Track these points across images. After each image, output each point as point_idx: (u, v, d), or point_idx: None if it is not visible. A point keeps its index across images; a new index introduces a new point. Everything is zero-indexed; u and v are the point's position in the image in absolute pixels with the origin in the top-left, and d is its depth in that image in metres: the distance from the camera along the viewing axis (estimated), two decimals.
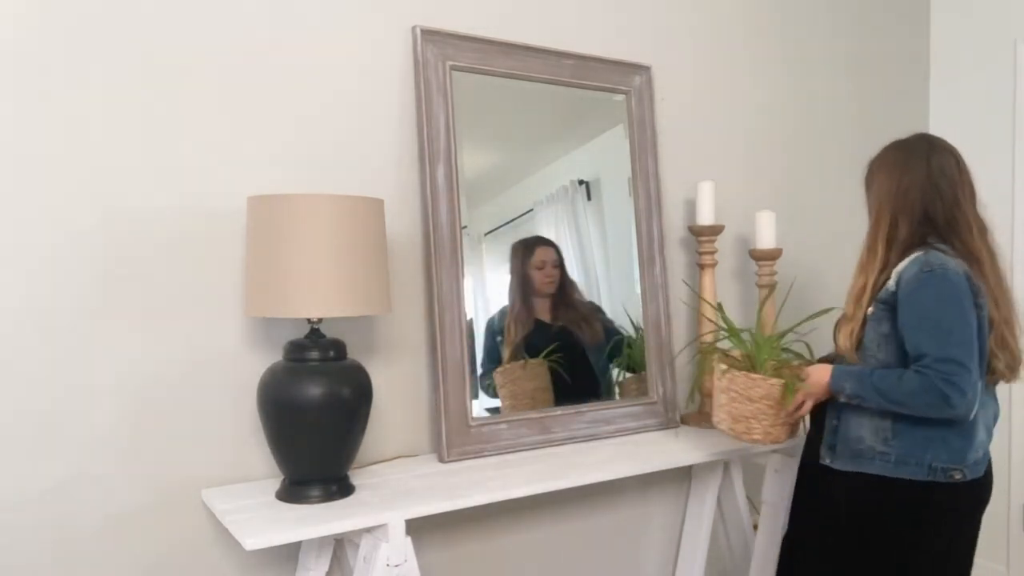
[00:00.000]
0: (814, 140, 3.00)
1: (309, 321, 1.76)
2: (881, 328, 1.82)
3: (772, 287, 2.51)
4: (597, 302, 2.39)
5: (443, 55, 2.09)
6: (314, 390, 1.67)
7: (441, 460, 2.02)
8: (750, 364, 1.93)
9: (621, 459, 2.07)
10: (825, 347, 2.14)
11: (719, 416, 1.94)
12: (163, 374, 1.79)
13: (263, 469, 1.88)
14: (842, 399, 1.85)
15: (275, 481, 1.82)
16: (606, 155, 2.43)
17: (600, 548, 2.47)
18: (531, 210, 2.28)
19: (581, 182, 2.37)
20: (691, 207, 2.54)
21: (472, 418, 2.06)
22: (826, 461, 1.91)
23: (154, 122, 1.77)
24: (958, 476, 1.78)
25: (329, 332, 1.78)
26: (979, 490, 1.85)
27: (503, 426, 2.11)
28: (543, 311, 2.30)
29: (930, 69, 3.35)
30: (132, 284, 1.76)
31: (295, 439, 1.70)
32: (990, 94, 3.16)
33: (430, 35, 2.08)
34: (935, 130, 3.33)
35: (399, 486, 1.82)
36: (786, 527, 2.18)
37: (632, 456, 2.10)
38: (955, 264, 1.75)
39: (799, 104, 2.94)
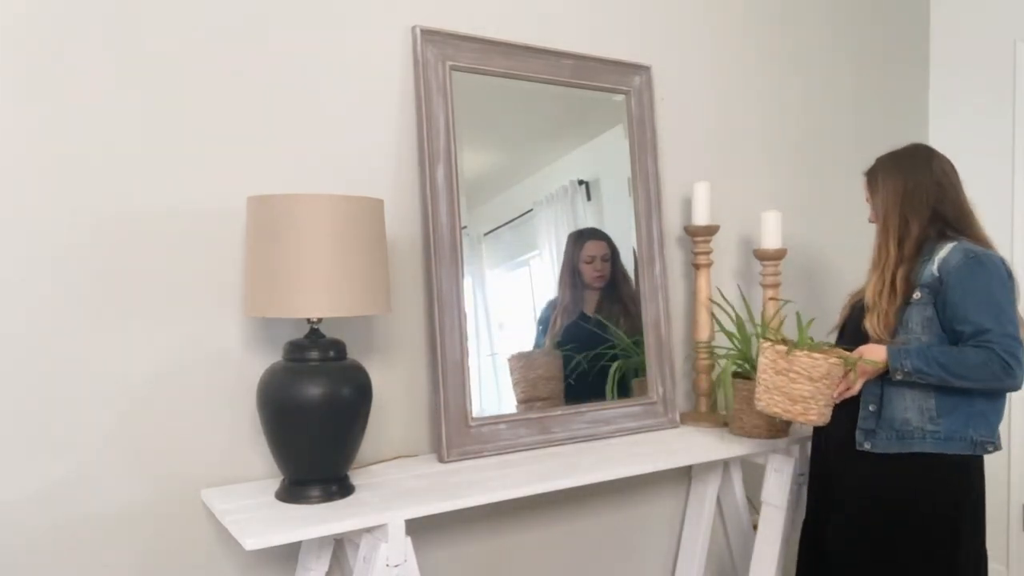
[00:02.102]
0: (814, 140, 3.00)
1: (309, 321, 1.76)
2: (926, 312, 1.94)
3: (776, 287, 2.51)
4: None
5: (443, 55, 2.09)
6: (314, 390, 1.67)
7: (441, 460, 2.02)
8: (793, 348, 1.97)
9: (621, 459, 2.07)
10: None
11: (772, 398, 1.96)
12: (163, 374, 1.79)
13: (263, 469, 1.89)
14: (898, 376, 1.91)
15: (275, 481, 1.82)
16: (606, 155, 2.43)
17: (600, 548, 2.47)
18: (531, 210, 2.28)
19: (581, 182, 2.37)
20: (690, 207, 2.54)
21: (472, 418, 2.06)
22: (865, 447, 1.98)
23: (154, 122, 1.77)
24: (991, 448, 1.94)
25: (329, 332, 1.78)
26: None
27: (503, 426, 2.12)
28: (590, 304, 2.35)
29: (930, 69, 3.35)
30: (132, 284, 1.76)
31: (295, 439, 1.70)
32: (990, 94, 3.16)
33: (430, 35, 2.08)
34: (935, 130, 3.34)
35: (399, 486, 1.82)
36: (802, 516, 2.24)
37: (632, 456, 2.10)
38: (993, 251, 1.94)
39: (799, 104, 2.94)
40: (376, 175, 2.04)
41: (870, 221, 2.12)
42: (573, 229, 2.37)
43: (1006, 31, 3.10)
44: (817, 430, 2.11)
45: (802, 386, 1.90)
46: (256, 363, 1.86)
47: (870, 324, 2.00)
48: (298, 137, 1.94)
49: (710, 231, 2.45)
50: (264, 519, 1.61)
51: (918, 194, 1.98)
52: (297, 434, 1.69)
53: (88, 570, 1.72)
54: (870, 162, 3.16)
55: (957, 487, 1.95)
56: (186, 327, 1.81)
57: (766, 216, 2.53)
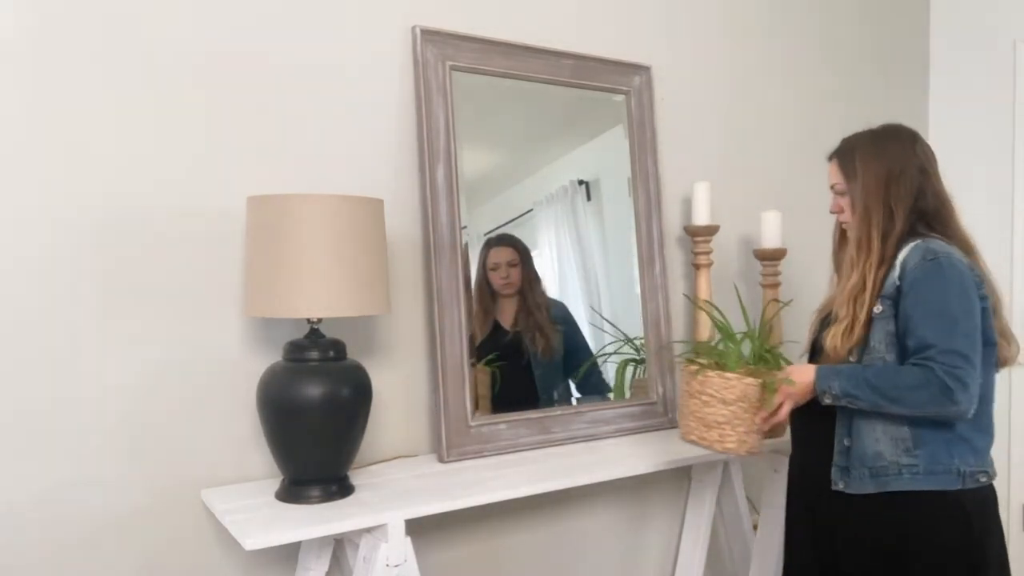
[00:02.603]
0: (814, 140, 2.99)
1: (309, 321, 1.76)
2: (888, 327, 1.68)
3: (776, 287, 2.51)
4: (596, 302, 2.39)
5: (443, 55, 2.09)
6: (314, 390, 1.67)
7: (441, 460, 2.02)
8: (722, 367, 1.76)
9: (621, 459, 2.07)
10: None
11: (688, 424, 1.77)
12: (163, 374, 1.79)
13: (263, 469, 1.89)
14: (826, 400, 1.69)
15: (275, 481, 1.82)
16: (606, 155, 2.43)
17: (600, 548, 2.47)
18: (531, 210, 2.28)
19: (581, 182, 2.37)
20: (690, 207, 2.54)
21: (472, 418, 2.06)
22: (839, 487, 1.71)
23: (154, 122, 1.77)
24: (983, 479, 1.67)
25: (329, 332, 1.78)
26: (994, 488, 1.75)
27: (503, 426, 2.12)
28: (503, 314, 2.21)
29: (930, 69, 3.35)
30: (132, 284, 1.76)
31: (295, 439, 1.70)
32: (990, 94, 3.16)
33: (430, 35, 2.08)
34: (935, 130, 3.34)
35: (399, 486, 1.82)
36: (783, 562, 1.96)
37: (632, 456, 2.10)
38: (958, 252, 1.67)
39: (799, 104, 2.94)
40: (376, 175, 2.04)
41: (832, 212, 1.87)
42: (573, 229, 2.37)
43: (1006, 31, 3.10)
44: (792, 461, 1.90)
45: (715, 410, 1.71)
46: (256, 363, 1.86)
47: (831, 337, 1.72)
48: (298, 137, 1.94)
49: (710, 231, 2.45)
50: (264, 519, 1.61)
51: (904, 182, 1.73)
52: (297, 434, 1.69)
53: (88, 570, 1.72)
54: None
55: (951, 529, 1.65)
56: (186, 327, 1.81)
57: (766, 216, 2.53)
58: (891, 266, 1.70)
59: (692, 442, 1.78)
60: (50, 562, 1.68)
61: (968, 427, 1.66)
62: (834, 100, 3.04)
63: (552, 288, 2.33)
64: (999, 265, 3.13)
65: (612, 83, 2.40)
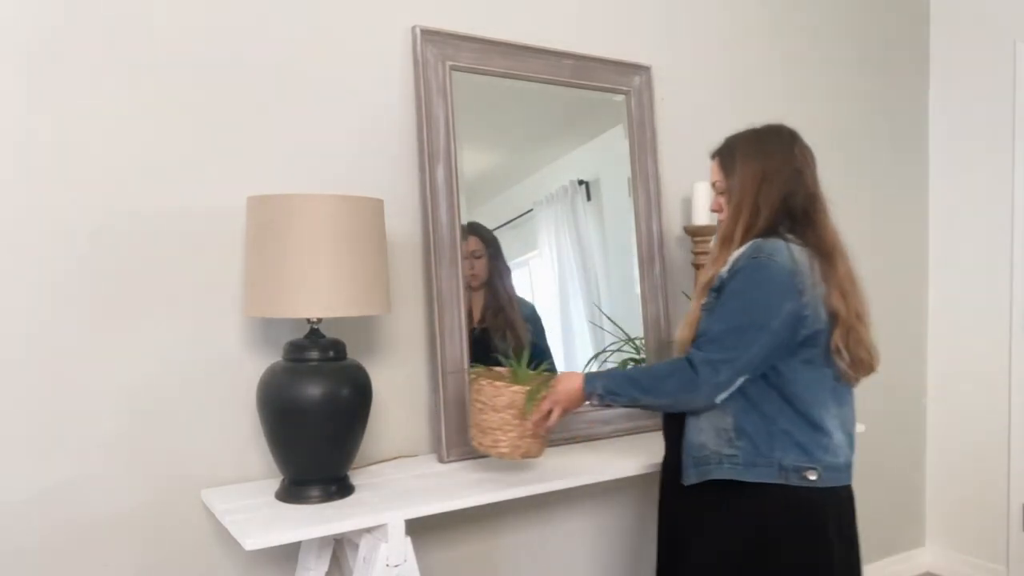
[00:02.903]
0: (814, 140, 2.99)
1: (309, 321, 1.76)
2: (709, 319, 1.68)
3: None
4: (597, 302, 2.39)
5: (443, 55, 2.09)
6: (314, 390, 1.67)
7: (441, 460, 2.02)
8: (513, 377, 1.83)
9: (620, 459, 2.07)
10: None
11: (471, 431, 1.84)
12: (163, 374, 1.79)
13: (263, 469, 1.89)
14: (594, 402, 1.75)
15: (275, 481, 1.82)
16: (606, 155, 2.43)
17: (599, 548, 2.47)
18: (531, 210, 2.28)
19: (581, 182, 2.37)
20: (690, 207, 2.54)
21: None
22: (681, 480, 1.74)
23: (153, 122, 1.77)
24: (812, 476, 1.63)
25: (329, 332, 1.78)
26: (845, 502, 1.71)
27: None
28: (472, 308, 2.14)
29: (930, 69, 3.35)
30: (132, 284, 1.76)
31: (295, 439, 1.70)
32: (990, 94, 3.16)
33: (430, 35, 2.08)
34: (935, 130, 3.35)
35: (399, 486, 1.82)
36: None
37: (631, 456, 2.09)
38: (787, 256, 1.63)
39: (799, 104, 2.93)
40: (376, 175, 2.04)
41: (713, 210, 1.85)
42: (573, 229, 2.37)
43: (1006, 31, 3.10)
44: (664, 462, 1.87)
45: (488, 416, 1.77)
46: (256, 363, 1.86)
47: (678, 329, 1.75)
48: (298, 137, 1.94)
49: (710, 231, 2.45)
50: (264, 519, 1.61)
51: (777, 181, 1.71)
52: (297, 434, 1.69)
53: (88, 570, 1.72)
54: (871, 162, 3.18)
55: (766, 520, 1.64)
56: (186, 327, 1.81)
57: None
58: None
59: (476, 448, 1.84)
60: (50, 562, 1.68)
61: (790, 420, 1.64)
62: (834, 100, 3.04)
63: (552, 288, 2.33)
64: (999, 265, 3.15)
65: (612, 83, 2.40)
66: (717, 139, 2.70)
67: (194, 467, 1.82)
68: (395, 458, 2.04)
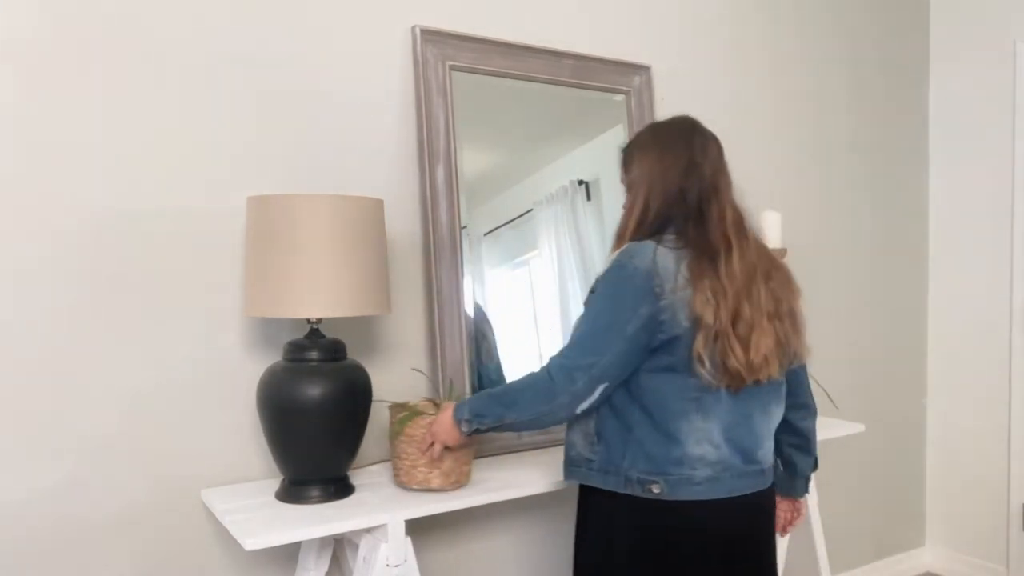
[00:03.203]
0: (814, 140, 3.00)
1: (309, 321, 1.76)
2: None
3: None
4: None
5: (443, 55, 2.09)
6: (314, 390, 1.67)
7: None
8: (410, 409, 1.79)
9: None
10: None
11: (397, 468, 1.78)
12: (163, 374, 1.79)
13: (263, 469, 1.88)
14: (464, 428, 1.63)
15: (275, 481, 1.82)
16: (606, 155, 2.43)
17: None
18: (531, 210, 2.28)
19: (581, 182, 2.37)
20: None
21: None
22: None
23: (153, 122, 1.77)
24: (656, 490, 1.54)
25: (329, 332, 1.78)
26: (701, 517, 1.57)
27: None
28: None
29: (930, 69, 3.35)
30: (132, 284, 1.76)
31: (295, 439, 1.70)
32: (990, 94, 3.16)
33: (430, 35, 2.08)
34: (935, 129, 3.34)
35: (399, 486, 1.82)
36: None
37: None
38: (650, 258, 1.54)
39: (799, 104, 2.94)
40: (376, 175, 2.04)
41: (624, 207, 1.73)
42: (573, 229, 2.37)
43: (1006, 31, 3.10)
44: None
45: (400, 447, 1.76)
46: (256, 363, 1.86)
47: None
48: (298, 137, 1.94)
49: None
50: (264, 519, 1.61)
51: (671, 173, 1.62)
52: (297, 434, 1.69)
53: (88, 570, 1.72)
54: (870, 162, 3.18)
55: (612, 530, 1.61)
56: (186, 327, 1.81)
57: (766, 216, 2.53)
58: None
59: (404, 484, 1.78)
60: (50, 562, 1.68)
61: (646, 430, 1.57)
62: (834, 99, 3.04)
63: (552, 288, 2.33)
64: (999, 265, 3.15)
65: (612, 83, 2.40)
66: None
67: (194, 467, 1.82)
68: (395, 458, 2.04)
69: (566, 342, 1.60)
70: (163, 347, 1.79)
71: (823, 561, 2.46)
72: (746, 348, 1.54)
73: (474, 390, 2.09)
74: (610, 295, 1.57)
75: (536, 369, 1.62)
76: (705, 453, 1.56)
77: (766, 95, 2.83)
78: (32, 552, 1.67)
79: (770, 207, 2.60)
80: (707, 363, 1.52)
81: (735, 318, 1.53)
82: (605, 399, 1.58)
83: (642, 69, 2.47)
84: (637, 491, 1.57)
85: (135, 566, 1.77)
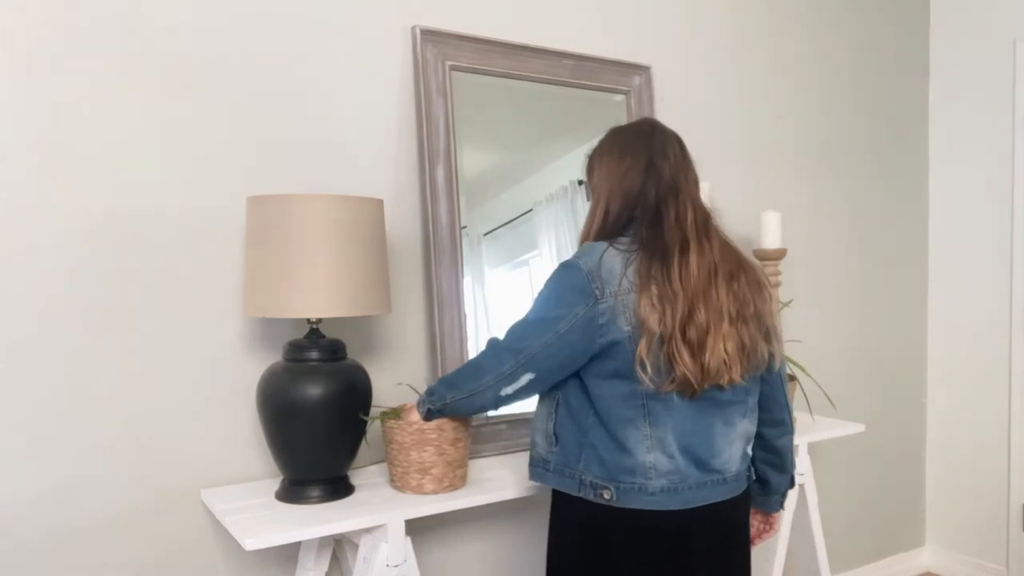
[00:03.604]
0: (814, 140, 3.00)
1: (309, 321, 1.76)
2: None
3: (777, 287, 2.50)
4: None
5: (443, 55, 2.09)
6: (314, 390, 1.67)
7: None
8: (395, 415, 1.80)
9: None
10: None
11: (394, 474, 1.79)
12: (163, 374, 1.79)
13: (263, 469, 1.88)
14: (422, 412, 1.70)
15: (275, 481, 1.82)
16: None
17: None
18: (531, 210, 2.28)
19: (581, 182, 2.36)
20: None
21: (472, 418, 2.05)
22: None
23: (154, 122, 1.77)
24: (607, 496, 1.53)
25: (329, 332, 1.78)
26: (652, 526, 1.55)
27: (503, 426, 2.11)
28: None
29: (930, 69, 3.35)
30: (132, 284, 1.76)
31: (295, 439, 1.70)
32: (990, 94, 3.16)
33: (430, 35, 2.08)
34: (935, 129, 3.34)
35: (396, 490, 1.82)
36: None
37: None
38: (595, 260, 1.54)
39: (799, 104, 2.93)
40: (376, 175, 2.04)
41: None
42: (573, 229, 2.36)
43: (1006, 31, 3.10)
44: None
45: (392, 454, 1.78)
46: (256, 363, 1.86)
47: None
48: (298, 137, 1.94)
49: None
50: (264, 519, 1.61)
51: (628, 178, 1.60)
52: (297, 434, 1.69)
53: (88, 570, 1.72)
54: (871, 162, 3.18)
55: (563, 531, 1.64)
56: (186, 327, 1.81)
57: (766, 216, 2.52)
58: None
59: (401, 490, 1.78)
60: (50, 562, 1.68)
61: (599, 436, 1.55)
62: (834, 99, 3.04)
63: None
64: (999, 265, 3.15)
65: (612, 83, 2.40)
66: (717, 139, 2.72)
67: (194, 467, 1.82)
68: None
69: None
70: (163, 347, 1.79)
71: (823, 561, 2.46)
72: (696, 353, 1.49)
73: None
74: (552, 291, 1.59)
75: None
76: (657, 462, 1.54)
77: (766, 95, 2.83)
78: (32, 552, 1.67)
79: (770, 207, 2.60)
80: (649, 369, 1.49)
81: (686, 322, 1.49)
82: (537, 393, 1.62)
83: (642, 69, 2.47)
84: (589, 495, 1.56)
85: (135, 566, 1.77)
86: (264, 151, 1.90)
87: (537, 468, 1.67)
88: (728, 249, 1.61)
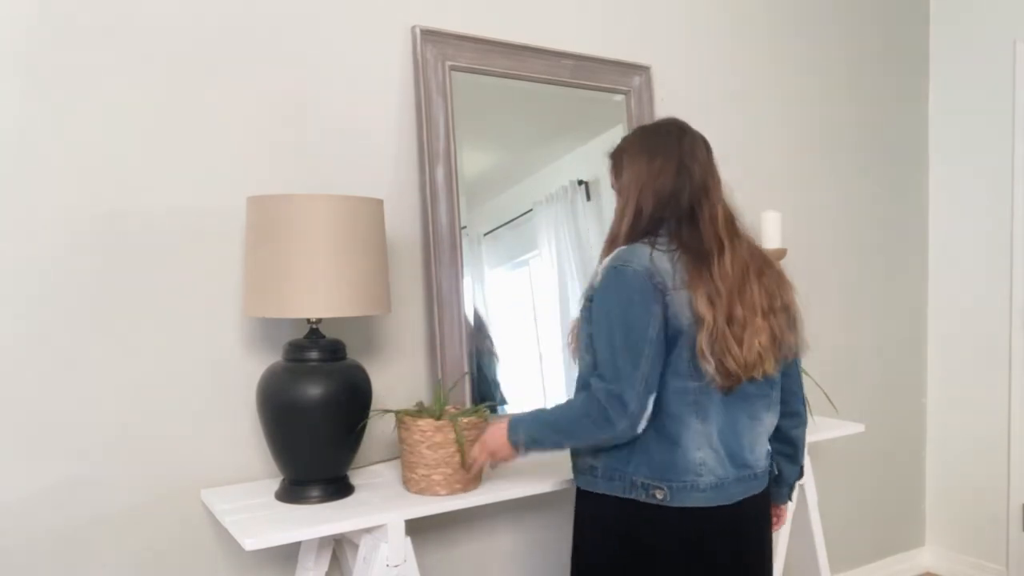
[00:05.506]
0: (814, 140, 3.00)
1: (309, 321, 1.76)
2: (586, 328, 1.64)
3: None
4: None
5: (443, 55, 2.09)
6: (313, 390, 1.67)
7: None
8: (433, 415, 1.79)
9: None
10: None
11: (408, 476, 1.77)
12: (163, 374, 1.79)
13: (263, 469, 1.89)
14: (522, 452, 1.68)
15: (275, 481, 1.82)
16: (606, 155, 2.43)
17: None
18: (531, 210, 2.28)
19: (581, 182, 2.37)
20: None
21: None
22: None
23: (154, 122, 1.78)
24: (660, 495, 1.56)
25: (329, 332, 1.78)
26: (703, 524, 1.59)
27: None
28: None
29: (930, 69, 3.35)
30: (132, 284, 1.76)
31: (294, 439, 1.70)
32: (990, 94, 3.16)
33: (430, 35, 2.08)
34: (935, 129, 3.34)
35: (399, 486, 1.82)
36: None
37: None
38: (645, 261, 1.56)
39: (799, 104, 2.94)
40: (376, 175, 2.04)
41: (616, 212, 1.75)
42: (573, 229, 2.36)
43: (1006, 31, 3.10)
44: None
45: (404, 455, 1.77)
46: (256, 363, 1.86)
47: (569, 337, 1.73)
48: (298, 137, 1.94)
49: None
50: (264, 519, 1.61)
51: (662, 176, 1.62)
52: (297, 434, 1.69)
53: (88, 570, 1.72)
54: (870, 162, 3.18)
55: (615, 536, 1.62)
56: (186, 327, 1.81)
57: (766, 216, 2.53)
58: None
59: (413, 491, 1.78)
60: (50, 561, 1.68)
61: (651, 438, 1.58)
62: (834, 100, 3.04)
63: (552, 288, 2.32)
64: (999, 265, 3.15)
65: (612, 83, 2.40)
66: (717, 139, 2.71)
67: (194, 467, 1.82)
68: (395, 458, 2.04)
69: (599, 367, 1.57)
70: (163, 347, 1.79)
71: (823, 561, 2.46)
72: (742, 347, 1.55)
73: (474, 392, 2.09)
74: (620, 303, 1.56)
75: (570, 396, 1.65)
76: (706, 458, 1.58)
77: (766, 95, 2.83)
78: (32, 552, 1.67)
79: (770, 207, 2.60)
80: (711, 360, 1.54)
81: (730, 318, 1.55)
82: None
83: (642, 69, 2.47)
84: (641, 496, 1.58)
85: (135, 566, 1.77)
86: (264, 151, 1.90)
87: (585, 475, 1.67)
88: (754, 247, 1.68)
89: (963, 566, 3.31)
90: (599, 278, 1.61)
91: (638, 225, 1.64)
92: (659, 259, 1.57)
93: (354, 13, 2.02)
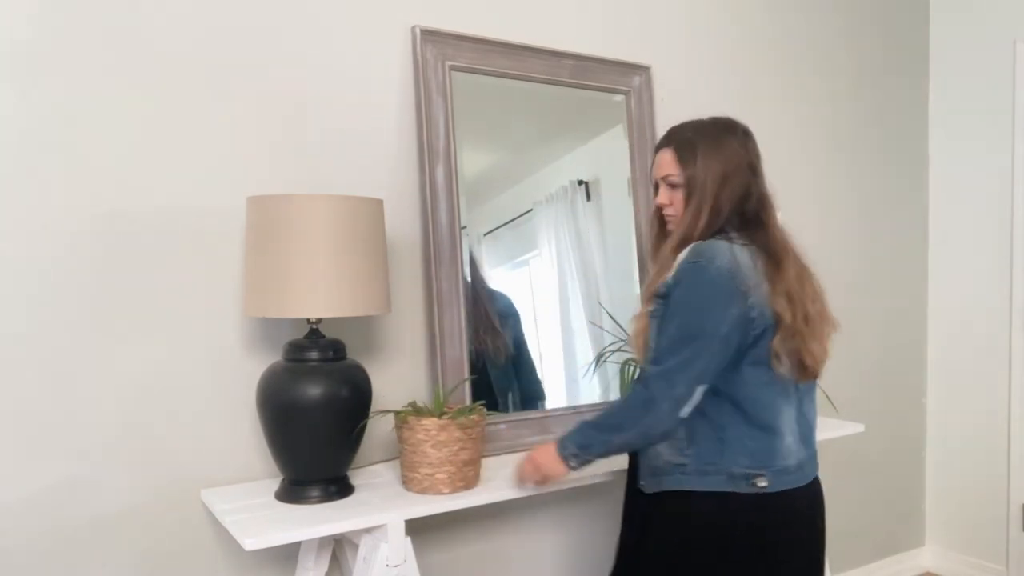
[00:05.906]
0: (814, 140, 3.00)
1: (308, 321, 1.76)
2: (658, 324, 1.62)
3: None
4: (597, 302, 2.39)
5: (442, 55, 2.09)
6: (313, 390, 1.67)
7: None
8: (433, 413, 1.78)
9: (620, 458, 2.06)
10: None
11: (407, 476, 1.77)
12: (162, 374, 1.79)
13: (263, 469, 1.89)
14: (574, 464, 1.66)
15: (275, 481, 1.82)
16: (606, 155, 2.43)
17: (600, 548, 2.46)
18: (530, 210, 2.28)
19: (581, 182, 2.37)
20: None
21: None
22: (640, 483, 1.72)
23: (153, 122, 1.77)
24: (762, 483, 1.58)
25: (329, 332, 1.78)
26: (797, 504, 1.64)
27: (503, 426, 2.12)
28: None
29: (930, 69, 3.35)
30: (132, 284, 1.76)
31: (294, 439, 1.70)
32: (990, 94, 3.16)
33: (430, 35, 2.08)
34: (935, 129, 3.34)
35: (399, 486, 1.82)
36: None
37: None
38: (729, 258, 1.57)
39: (799, 104, 2.94)
40: (376, 175, 2.04)
41: (660, 203, 1.73)
42: (573, 229, 2.37)
43: (1006, 31, 3.10)
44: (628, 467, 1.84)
45: (405, 455, 1.77)
46: (256, 363, 1.86)
47: (630, 333, 1.71)
48: (298, 137, 1.94)
49: None
50: (264, 519, 1.61)
51: (736, 181, 1.64)
52: (297, 434, 1.69)
53: (88, 570, 1.72)
54: (870, 162, 3.18)
55: (717, 531, 1.60)
56: (186, 327, 1.81)
57: None
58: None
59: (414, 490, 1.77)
60: (50, 562, 1.68)
61: (740, 426, 1.59)
62: (834, 100, 3.04)
63: (552, 288, 2.33)
64: (999, 265, 3.15)
65: (612, 83, 2.40)
66: None
67: (194, 467, 1.82)
68: (395, 458, 2.04)
69: (654, 353, 1.58)
70: (163, 347, 1.79)
71: (823, 561, 2.46)
72: (817, 343, 1.63)
73: (473, 391, 2.09)
74: (696, 300, 1.56)
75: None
76: (791, 442, 1.64)
77: (766, 95, 2.83)
78: (32, 552, 1.67)
79: None
80: (784, 359, 1.58)
81: (805, 317, 1.60)
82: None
83: (642, 69, 2.47)
84: (743, 487, 1.59)
85: (135, 566, 1.77)
86: (264, 151, 1.90)
87: (671, 475, 1.64)
88: (798, 250, 1.72)
89: (963, 566, 3.31)
90: (677, 274, 1.59)
91: (715, 223, 1.64)
92: (740, 254, 1.59)
93: (354, 13, 2.02)
